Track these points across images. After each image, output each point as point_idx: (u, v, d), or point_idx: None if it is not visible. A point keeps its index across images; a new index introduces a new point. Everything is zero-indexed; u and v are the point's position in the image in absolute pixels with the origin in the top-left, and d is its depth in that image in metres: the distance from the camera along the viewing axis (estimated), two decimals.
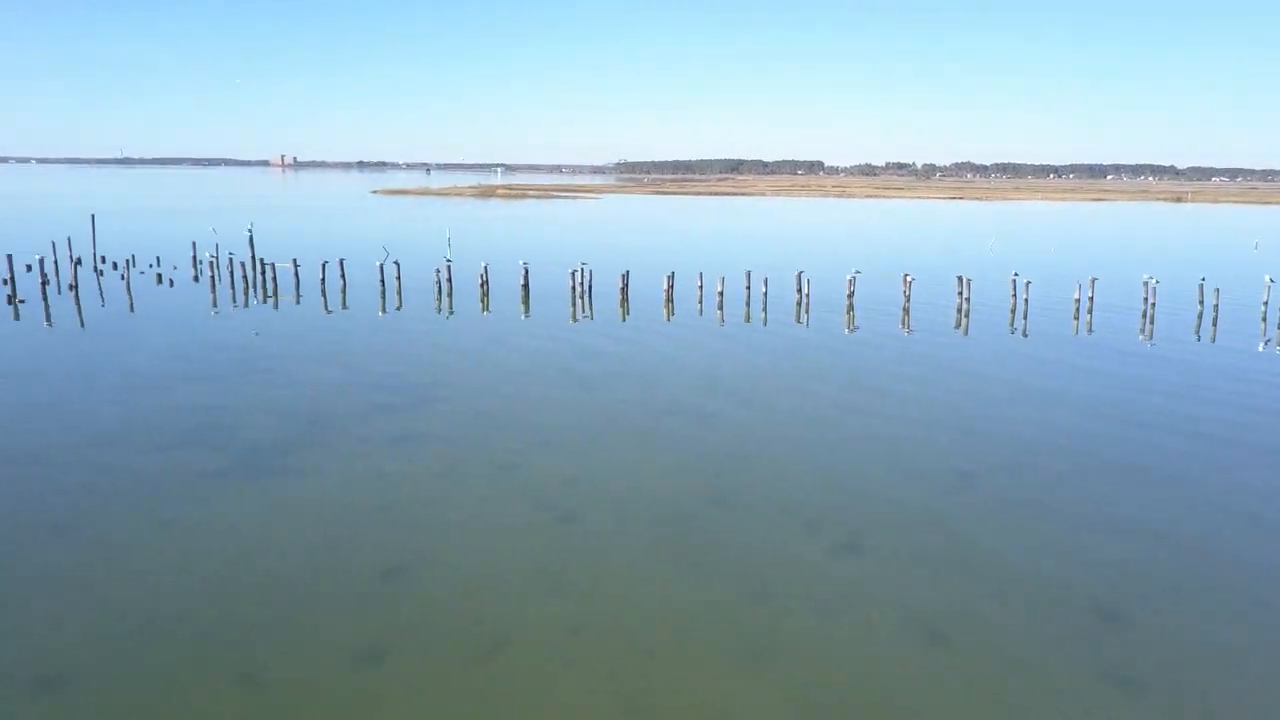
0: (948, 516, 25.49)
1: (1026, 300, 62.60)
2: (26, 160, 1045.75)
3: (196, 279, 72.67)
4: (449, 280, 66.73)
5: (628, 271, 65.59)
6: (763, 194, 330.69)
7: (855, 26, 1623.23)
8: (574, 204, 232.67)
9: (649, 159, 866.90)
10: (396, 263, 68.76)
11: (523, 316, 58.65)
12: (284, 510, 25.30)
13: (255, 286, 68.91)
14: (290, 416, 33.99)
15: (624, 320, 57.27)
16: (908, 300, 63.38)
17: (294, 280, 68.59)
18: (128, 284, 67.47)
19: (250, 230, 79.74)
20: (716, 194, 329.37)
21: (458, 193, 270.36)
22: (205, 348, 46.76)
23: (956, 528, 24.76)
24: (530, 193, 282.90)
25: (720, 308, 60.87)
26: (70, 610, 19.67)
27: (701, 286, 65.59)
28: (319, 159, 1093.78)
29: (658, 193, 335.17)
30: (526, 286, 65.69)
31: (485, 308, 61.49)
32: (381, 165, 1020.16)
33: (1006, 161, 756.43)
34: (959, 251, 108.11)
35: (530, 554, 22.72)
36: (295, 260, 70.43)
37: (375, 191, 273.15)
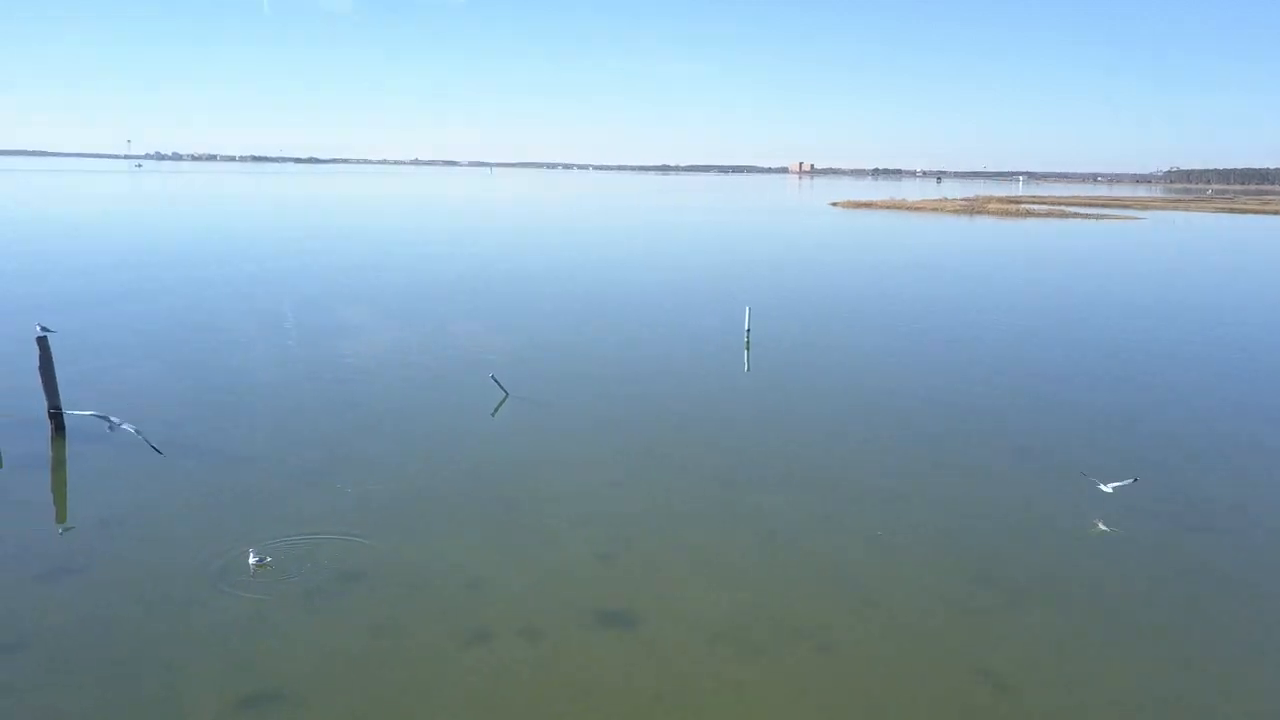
0: None
1: None
2: (585, 167, 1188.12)
3: None
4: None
5: None
6: None
7: None
8: (1099, 225, 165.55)
9: (1211, 166, 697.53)
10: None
11: None
12: None
13: None
14: None
15: None
16: None
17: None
18: None
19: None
20: None
21: (937, 207, 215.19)
22: None
23: None
24: (1037, 208, 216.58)
25: None
26: None
27: None
28: (835, 166, 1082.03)
29: (1229, 209, 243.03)
30: None
31: None
32: (897, 173, 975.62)
33: None
34: None
35: None
36: None
37: (835, 204, 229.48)
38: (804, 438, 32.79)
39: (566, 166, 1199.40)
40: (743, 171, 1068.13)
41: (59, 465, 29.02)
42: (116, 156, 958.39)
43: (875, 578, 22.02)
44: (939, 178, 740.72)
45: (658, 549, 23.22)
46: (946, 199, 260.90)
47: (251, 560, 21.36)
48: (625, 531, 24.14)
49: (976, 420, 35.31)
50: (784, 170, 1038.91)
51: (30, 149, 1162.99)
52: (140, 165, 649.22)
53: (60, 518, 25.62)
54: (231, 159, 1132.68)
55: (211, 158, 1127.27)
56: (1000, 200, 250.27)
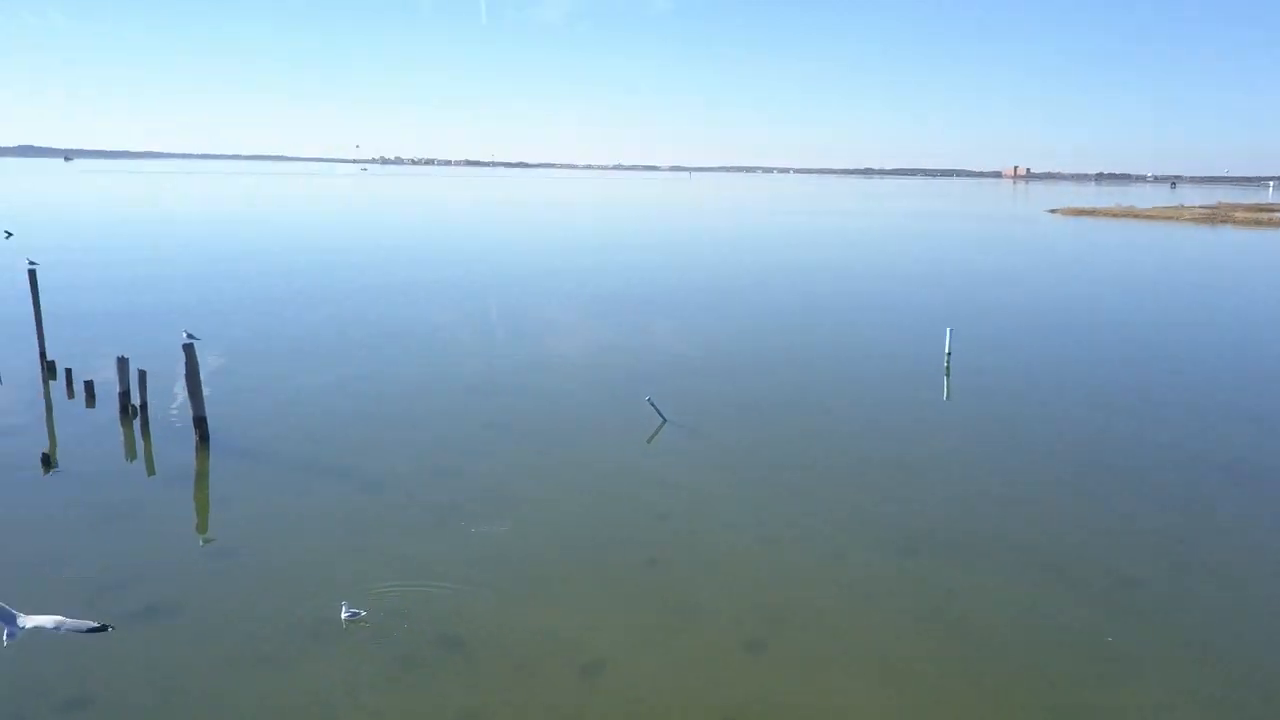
0: None
1: None
2: (785, 170, 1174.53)
3: None
4: None
5: None
6: None
7: None
8: None
9: None
10: None
11: None
12: None
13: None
14: None
15: None
16: None
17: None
18: None
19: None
20: None
21: (1172, 216, 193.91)
22: None
23: None
24: None
25: None
26: None
27: None
28: (1053, 170, 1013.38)
29: None
30: None
31: None
32: (1124, 178, 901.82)
33: None
34: None
35: None
36: None
37: (1053, 211, 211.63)
38: (1013, 493, 27.25)
39: (766, 170, 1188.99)
40: (951, 176, 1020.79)
41: (201, 479, 28.01)
42: (346, 160, 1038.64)
43: (1106, 705, 16.73)
44: (1173, 183, 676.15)
45: (817, 639, 18.85)
46: (1183, 206, 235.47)
47: (344, 615, 18.79)
48: (780, 611, 19.91)
49: (1246, 483, 28.42)
50: (997, 175, 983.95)
51: (270, 154, 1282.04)
52: (366, 169, 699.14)
53: (201, 528, 24.57)
54: (448, 163, 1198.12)
55: (429, 162, 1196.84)
56: (1247, 209, 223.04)
